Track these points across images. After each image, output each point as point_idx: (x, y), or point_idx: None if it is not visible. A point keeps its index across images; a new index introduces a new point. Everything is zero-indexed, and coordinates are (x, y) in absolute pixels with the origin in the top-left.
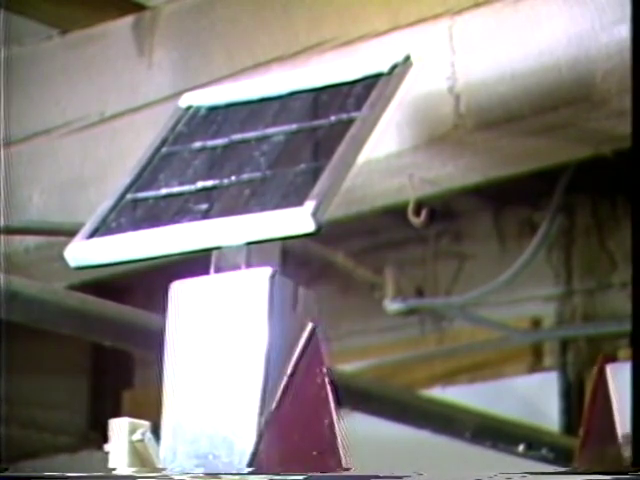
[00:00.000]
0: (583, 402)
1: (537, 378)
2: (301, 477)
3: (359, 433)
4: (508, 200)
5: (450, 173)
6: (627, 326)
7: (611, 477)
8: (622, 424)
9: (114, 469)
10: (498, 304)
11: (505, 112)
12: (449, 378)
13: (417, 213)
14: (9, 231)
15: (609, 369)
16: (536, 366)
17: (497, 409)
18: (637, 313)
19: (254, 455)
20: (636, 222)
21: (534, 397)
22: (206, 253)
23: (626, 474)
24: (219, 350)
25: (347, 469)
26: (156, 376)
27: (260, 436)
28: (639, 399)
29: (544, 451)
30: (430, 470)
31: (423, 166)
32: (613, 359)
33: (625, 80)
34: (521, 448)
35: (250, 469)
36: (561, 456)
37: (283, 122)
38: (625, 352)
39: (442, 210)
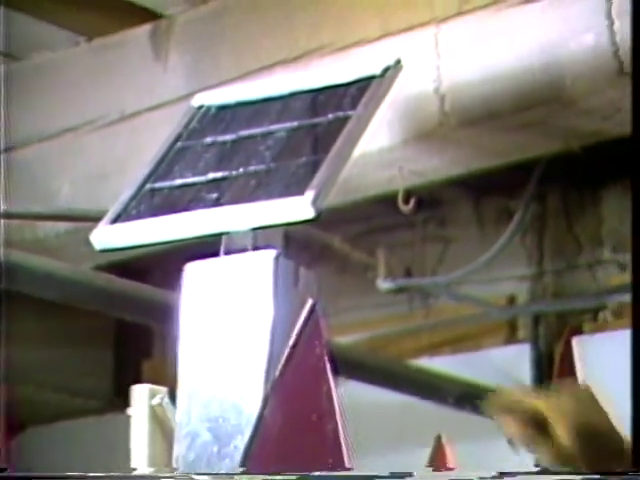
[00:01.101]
0: (552, 370)
1: (512, 349)
2: (294, 477)
3: (354, 399)
4: (487, 190)
5: (436, 166)
6: (592, 303)
7: (611, 477)
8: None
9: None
10: (478, 283)
11: (485, 111)
12: (434, 349)
13: (406, 201)
14: (42, 218)
15: (574, 341)
16: (511, 339)
17: (476, 377)
18: (637, 316)
19: (260, 419)
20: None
21: (509, 366)
22: (216, 238)
23: (626, 474)
24: (229, 324)
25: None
26: (172, 347)
27: (265, 401)
28: (639, 399)
29: None
30: (416, 433)
31: (411, 159)
32: (578, 332)
33: (591, 83)
34: None
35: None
36: None
37: (285, 120)
38: (589, 326)
39: (428, 199)
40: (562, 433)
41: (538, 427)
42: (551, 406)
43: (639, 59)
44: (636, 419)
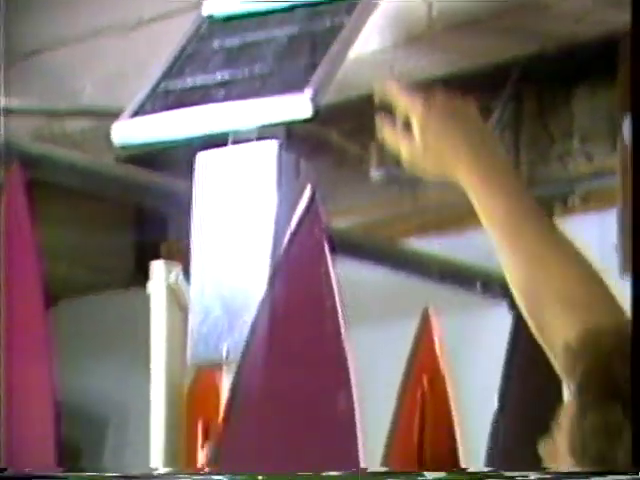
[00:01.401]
0: None
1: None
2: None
3: (349, 276)
4: (470, 90)
5: (423, 66)
6: (562, 190)
7: (611, 477)
8: None
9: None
10: None
11: (468, 16)
12: (421, 232)
13: None
14: (68, 114)
15: None
16: None
17: (458, 256)
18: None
19: (266, 295)
20: None
21: (487, 246)
22: (224, 131)
23: (626, 474)
24: (236, 209)
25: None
26: (186, 231)
27: (270, 280)
28: (639, 399)
29: (497, 288)
30: (405, 306)
31: (401, 60)
32: (550, 216)
33: None
34: (478, 287)
35: None
36: (509, 293)
37: (287, 27)
38: (560, 210)
39: None
40: (420, 133)
41: (407, 127)
42: (420, 107)
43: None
44: (636, 419)
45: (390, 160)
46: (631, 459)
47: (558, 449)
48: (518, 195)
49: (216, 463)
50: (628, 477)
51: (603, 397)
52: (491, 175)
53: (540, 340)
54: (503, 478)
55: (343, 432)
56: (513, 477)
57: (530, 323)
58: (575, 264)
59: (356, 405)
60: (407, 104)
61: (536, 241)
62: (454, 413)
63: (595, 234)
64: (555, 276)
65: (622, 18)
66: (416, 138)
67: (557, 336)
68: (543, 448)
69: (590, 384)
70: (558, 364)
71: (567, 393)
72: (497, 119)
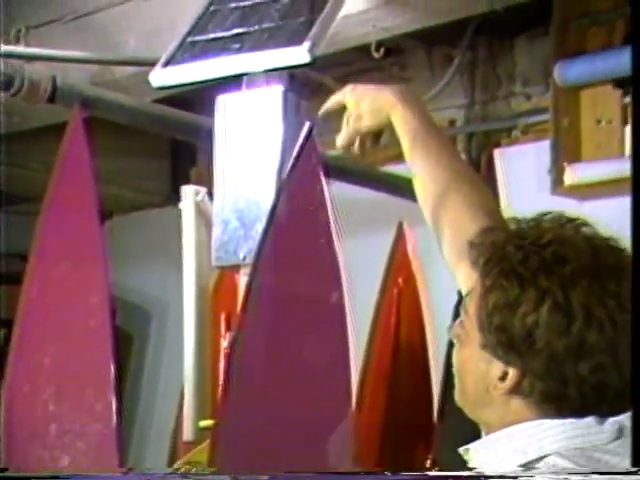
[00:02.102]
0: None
1: None
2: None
3: (340, 195)
4: (436, 42)
5: (399, 24)
6: (507, 124)
7: (611, 477)
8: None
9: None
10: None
11: None
12: (399, 159)
13: (377, 50)
14: (117, 63)
15: (495, 152)
16: None
17: None
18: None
19: (274, 208)
20: None
21: None
22: (239, 77)
23: (626, 474)
24: (250, 140)
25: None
26: (211, 158)
27: (277, 197)
28: (639, 399)
29: None
30: (384, 221)
31: (381, 19)
32: (498, 146)
33: None
34: None
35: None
36: None
37: None
38: (505, 141)
39: (394, 48)
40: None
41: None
42: (352, 89)
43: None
44: (636, 419)
45: None
46: (632, 459)
47: (468, 331)
48: (427, 118)
49: (235, 347)
50: (628, 477)
51: (501, 279)
52: (410, 112)
53: (441, 247)
54: (505, 478)
55: (336, 319)
56: (516, 477)
57: (435, 232)
58: (472, 177)
59: (346, 299)
60: (344, 95)
61: (443, 154)
62: (424, 306)
63: (533, 160)
64: (458, 186)
65: None
66: (356, 110)
67: (459, 238)
68: (451, 330)
69: (490, 270)
70: (462, 260)
71: (470, 282)
72: (457, 65)
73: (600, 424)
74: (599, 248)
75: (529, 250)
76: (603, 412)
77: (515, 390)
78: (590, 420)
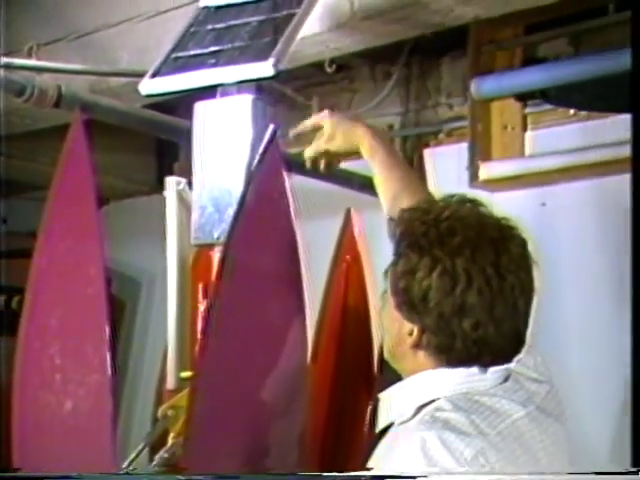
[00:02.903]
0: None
1: None
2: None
3: (298, 186)
4: (378, 60)
5: (348, 44)
6: (434, 128)
7: (611, 477)
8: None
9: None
10: (372, 117)
11: (377, 10)
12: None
13: (330, 66)
14: (112, 74)
15: (425, 152)
16: None
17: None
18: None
19: (244, 196)
20: None
21: None
22: (214, 88)
23: (626, 474)
24: (223, 140)
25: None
26: (191, 154)
27: (246, 186)
28: (639, 399)
29: None
30: (334, 208)
31: (333, 40)
32: (427, 146)
33: None
34: None
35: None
36: None
37: (257, 15)
38: (433, 142)
39: (344, 65)
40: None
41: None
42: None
43: (639, 57)
44: (636, 419)
45: (327, 108)
46: (632, 459)
47: (387, 295)
48: (388, 146)
49: (211, 311)
50: (628, 477)
51: (407, 249)
52: (375, 141)
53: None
54: (502, 474)
55: (295, 288)
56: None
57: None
58: (414, 177)
59: (304, 272)
60: (321, 117)
61: (398, 169)
62: (367, 277)
63: (455, 159)
64: (406, 186)
65: (470, 12)
66: (330, 133)
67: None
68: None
69: (400, 242)
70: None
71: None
72: (395, 80)
73: (483, 373)
74: (487, 224)
75: (430, 224)
76: (486, 362)
77: (418, 344)
78: (474, 369)
